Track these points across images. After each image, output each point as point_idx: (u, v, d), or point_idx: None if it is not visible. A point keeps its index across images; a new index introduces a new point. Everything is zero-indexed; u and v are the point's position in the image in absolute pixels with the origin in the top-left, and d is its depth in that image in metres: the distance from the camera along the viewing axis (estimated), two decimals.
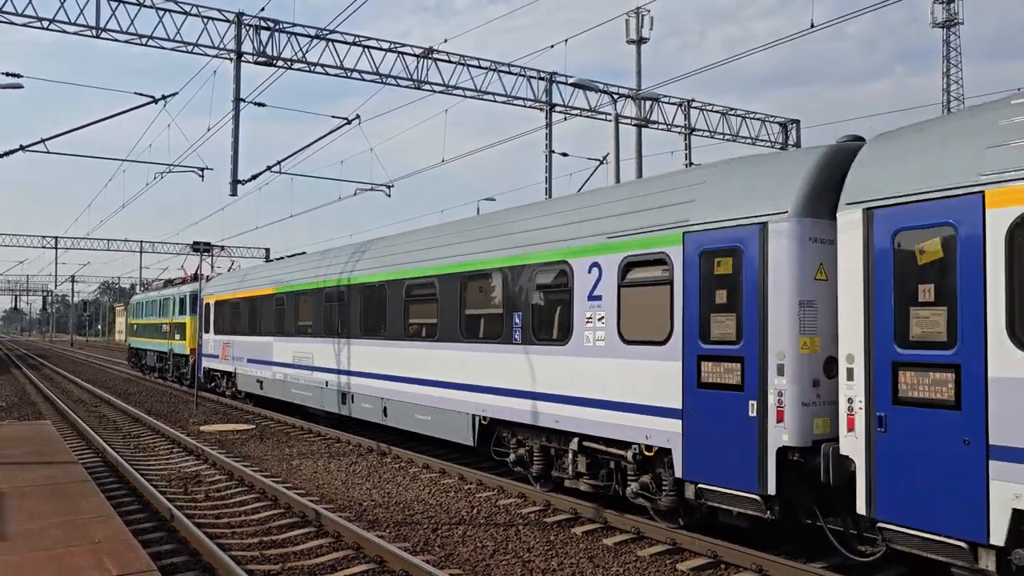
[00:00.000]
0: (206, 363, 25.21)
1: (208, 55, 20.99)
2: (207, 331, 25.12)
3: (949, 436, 6.15)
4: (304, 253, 21.75)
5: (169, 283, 35.93)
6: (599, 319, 9.60)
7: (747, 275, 7.83)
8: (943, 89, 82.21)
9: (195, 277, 32.03)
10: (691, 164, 28.30)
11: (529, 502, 10.70)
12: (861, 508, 6.70)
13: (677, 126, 29.13)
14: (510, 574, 7.77)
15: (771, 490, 7.47)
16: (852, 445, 6.80)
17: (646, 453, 8.96)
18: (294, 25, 21.70)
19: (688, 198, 8.69)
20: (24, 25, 18.82)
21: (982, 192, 6.04)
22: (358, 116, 20.74)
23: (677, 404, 8.49)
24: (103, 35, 19.59)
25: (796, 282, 7.48)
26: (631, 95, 28.09)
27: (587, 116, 27.21)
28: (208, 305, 24.97)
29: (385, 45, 23.10)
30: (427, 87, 23.80)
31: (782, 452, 7.45)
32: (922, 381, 6.34)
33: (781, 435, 7.44)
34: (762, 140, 30.45)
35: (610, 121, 22.91)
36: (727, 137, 29.96)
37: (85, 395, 27.08)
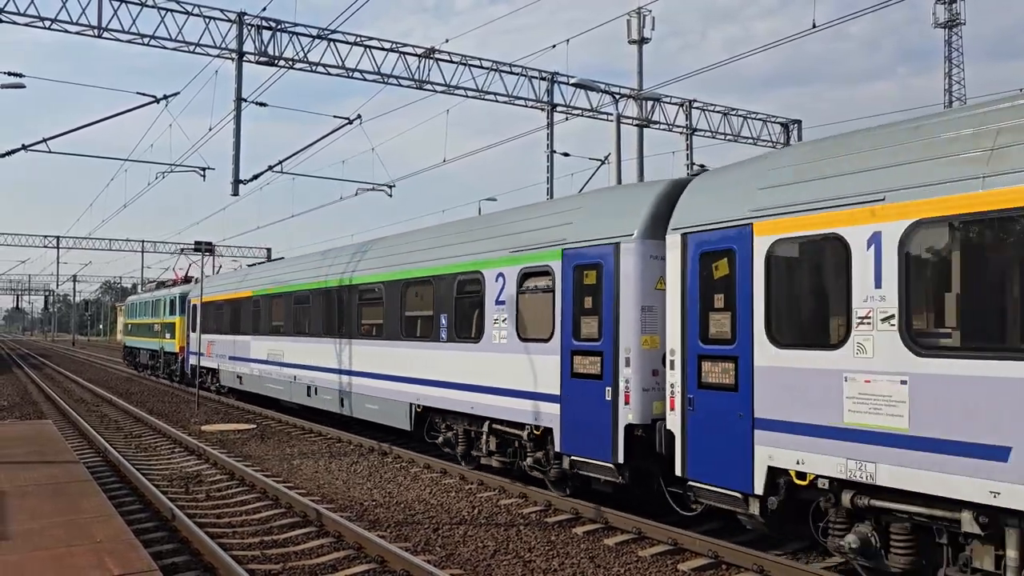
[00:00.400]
0: (193, 360, 26.59)
1: (210, 55, 21.01)
2: (194, 331, 26.68)
3: (730, 411, 7.86)
4: (282, 259, 23.34)
5: (162, 285, 37.60)
6: (503, 320, 11.40)
7: (606, 285, 9.59)
8: (945, 89, 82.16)
9: (185, 279, 34.81)
10: (692, 164, 28.29)
11: (530, 502, 10.70)
12: (678, 471, 8.46)
13: (678, 126, 29.12)
14: (511, 574, 7.77)
15: (620, 459, 9.27)
16: (673, 421, 8.54)
17: (536, 432, 10.73)
18: (296, 25, 21.71)
19: (567, 221, 10.41)
20: (26, 25, 18.84)
21: (751, 223, 7.75)
22: (359, 116, 20.75)
23: (557, 391, 10.27)
24: (105, 35, 19.60)
25: (640, 291, 9.28)
26: (632, 95, 28.08)
27: (588, 116, 27.21)
28: (195, 306, 26.40)
29: (387, 45, 23.11)
30: (428, 87, 23.81)
31: (629, 428, 9.22)
32: (715, 369, 8.06)
33: (628, 415, 9.22)
34: (763, 140, 30.44)
35: (611, 121, 22.90)
36: (728, 137, 29.96)
37: (86, 395, 27.10)
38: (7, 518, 7.81)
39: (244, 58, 21.01)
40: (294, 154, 22.02)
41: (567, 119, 27.01)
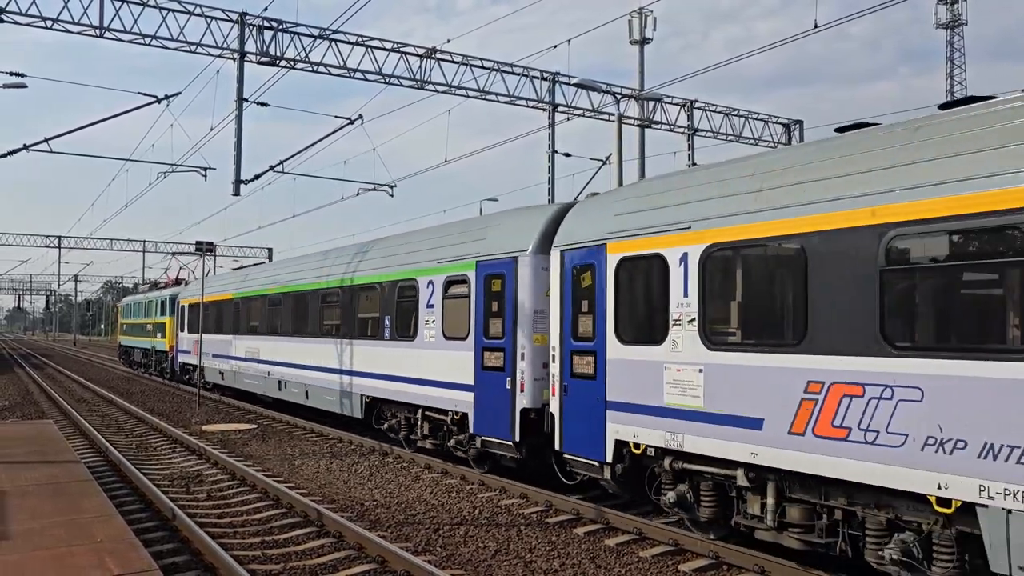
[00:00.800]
0: (181, 358, 29.15)
1: (211, 55, 21.02)
2: (182, 330, 28.91)
3: (591, 396, 9.65)
4: (263, 263, 25.91)
5: (155, 286, 39.64)
6: (432, 321, 13.18)
7: (508, 292, 11.38)
8: (947, 90, 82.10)
9: (176, 281, 36.43)
10: (694, 164, 28.26)
11: (531, 503, 10.70)
12: (557, 446, 10.22)
13: (680, 127, 29.11)
14: (512, 575, 7.77)
15: (517, 438, 11.09)
16: (554, 405, 10.30)
17: (456, 417, 12.51)
18: (297, 25, 21.72)
19: (481, 237, 12.21)
20: (28, 25, 18.86)
21: (605, 243, 9.56)
22: (361, 116, 20.73)
23: (471, 382, 12.07)
24: (106, 35, 19.62)
25: (532, 297, 11.10)
26: (634, 95, 28.08)
27: (590, 116, 27.20)
28: (183, 307, 28.73)
29: (388, 45, 23.11)
30: (430, 87, 23.81)
31: (524, 412, 11.04)
32: (581, 362, 9.85)
33: (523, 400, 11.03)
34: (765, 141, 30.42)
35: (613, 121, 22.89)
36: (730, 138, 29.94)
37: (88, 394, 27.11)
38: (8, 518, 7.81)
39: (246, 58, 21.02)
40: (295, 154, 22.02)
41: (568, 119, 27.01)
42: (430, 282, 13.25)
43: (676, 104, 28.89)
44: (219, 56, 21.02)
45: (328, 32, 21.88)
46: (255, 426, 18.48)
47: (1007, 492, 5.85)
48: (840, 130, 7.90)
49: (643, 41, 31.52)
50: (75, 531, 7.34)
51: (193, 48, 20.63)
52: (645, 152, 28.74)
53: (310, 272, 18.27)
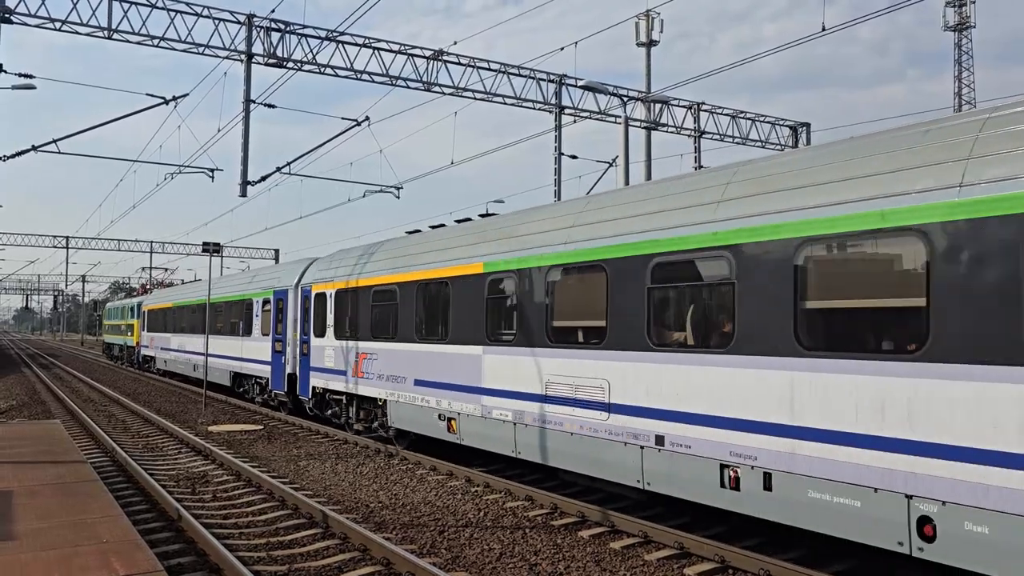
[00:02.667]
0: (142, 351, 38.93)
1: (219, 56, 21.08)
2: (143, 330, 38.60)
3: (307, 365, 18.37)
4: (197, 280, 40.45)
5: (129, 294, 54.67)
6: (259, 325, 22.38)
7: (285, 308, 20.04)
8: (955, 93, 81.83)
9: (144, 290, 49.19)
10: (700, 167, 28.21)
11: (536, 505, 10.69)
12: (299, 393, 18.81)
13: (687, 129, 29.07)
14: None
15: (286, 389, 19.80)
16: (297, 371, 18.89)
17: (261, 381, 22.17)
18: (304, 27, 21.77)
19: (278, 276, 21.39)
20: (37, 27, 18.94)
21: (312, 284, 18.10)
22: (368, 118, 20.78)
23: (269, 359, 21.08)
24: (115, 36, 19.69)
25: (295, 311, 19.53)
26: (641, 98, 28.05)
27: (597, 119, 27.19)
28: (145, 312, 38.31)
29: (395, 47, 23.14)
30: (437, 89, 23.83)
31: (290, 376, 19.71)
32: (304, 347, 18.35)
33: (289, 369, 19.69)
34: (772, 143, 30.35)
35: (620, 124, 22.87)
36: (737, 140, 29.88)
37: (94, 394, 27.20)
38: (15, 517, 7.84)
39: (253, 60, 21.07)
40: (302, 155, 22.07)
41: (575, 121, 26.99)
42: (257, 301, 22.13)
43: (683, 106, 28.85)
44: (227, 58, 21.08)
45: (335, 34, 21.92)
46: (261, 427, 18.52)
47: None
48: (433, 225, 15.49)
49: (650, 43, 31.50)
50: (81, 531, 7.36)
51: (201, 50, 20.69)
52: (651, 154, 28.72)
53: (216, 290, 26.79)
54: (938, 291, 6.18)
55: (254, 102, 20.96)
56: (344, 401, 16.71)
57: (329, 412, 17.39)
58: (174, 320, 32.05)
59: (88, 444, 15.72)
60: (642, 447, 8.76)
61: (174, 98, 19.95)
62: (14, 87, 19.16)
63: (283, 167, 22.05)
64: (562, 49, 23.54)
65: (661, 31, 32.07)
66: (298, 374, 18.62)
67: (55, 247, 61.68)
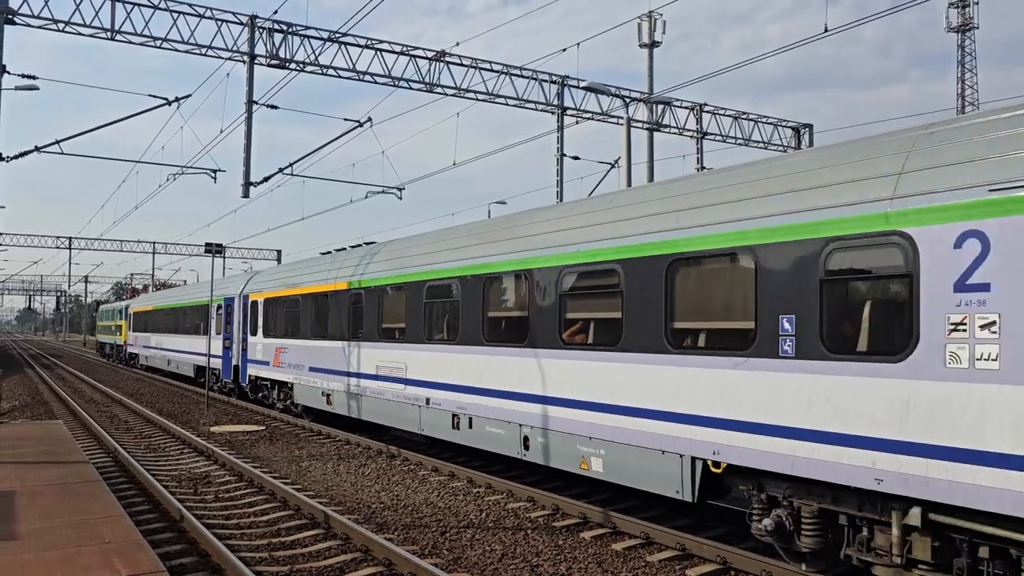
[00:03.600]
0: (128, 349, 44.56)
1: (221, 57, 21.10)
2: (130, 329, 43.98)
3: (246, 358, 22.66)
4: (175, 286, 51.78)
5: (119, 297, 60.57)
6: (215, 324, 25.27)
7: (234, 313, 23.59)
8: (958, 94, 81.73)
9: (133, 294, 57.27)
10: (702, 168, 28.19)
11: (538, 506, 10.68)
12: (241, 380, 23.44)
13: (689, 130, 29.06)
14: None
15: (231, 378, 24.11)
16: (241, 362, 23.37)
17: (216, 371, 25.67)
18: (307, 28, 21.79)
19: (227, 286, 25.35)
20: (40, 28, 18.97)
21: (249, 294, 22.63)
22: (370, 119, 20.78)
23: (219, 353, 24.82)
24: (118, 37, 19.72)
25: (239, 314, 23.16)
26: (643, 99, 28.04)
27: (599, 119, 27.18)
28: (131, 314, 43.66)
29: (397, 48, 23.16)
30: (439, 90, 23.84)
31: (235, 368, 23.69)
32: (247, 344, 22.49)
33: (234, 361, 23.70)
34: (775, 144, 30.33)
35: (622, 125, 22.87)
36: (739, 141, 29.86)
37: (97, 395, 27.23)
38: (18, 517, 7.85)
39: (255, 61, 21.09)
40: (305, 156, 22.09)
41: (577, 123, 26.98)
42: (218, 306, 24.87)
43: (685, 108, 28.84)
44: (229, 59, 21.10)
45: (338, 35, 21.94)
46: (263, 428, 18.53)
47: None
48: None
49: (652, 44, 31.51)
50: (84, 531, 7.37)
51: (203, 51, 20.72)
52: (654, 155, 28.72)
53: (170, 299, 34.33)
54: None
55: (256, 103, 20.98)
56: (268, 385, 21.61)
57: (260, 395, 22.42)
58: (154, 322, 37.38)
59: (90, 444, 15.74)
60: (419, 406, 13.49)
61: (177, 99, 19.98)
62: (17, 88, 19.20)
63: (285, 168, 22.07)
64: (564, 50, 23.54)
65: (663, 32, 32.10)
66: (241, 365, 23.50)
67: (58, 248, 61.74)
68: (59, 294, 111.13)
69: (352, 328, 15.98)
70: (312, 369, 17.92)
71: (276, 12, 20.60)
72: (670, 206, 8.86)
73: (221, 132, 22.16)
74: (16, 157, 19.18)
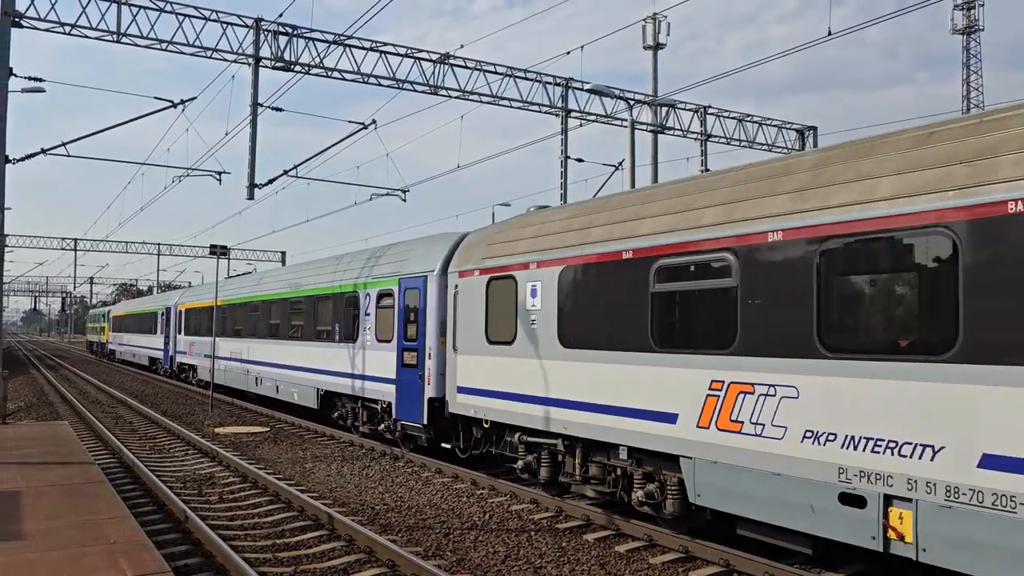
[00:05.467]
0: (109, 346, 53.31)
1: (227, 60, 21.16)
2: (111, 330, 52.78)
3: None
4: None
5: (104, 304, 69.15)
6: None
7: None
8: (963, 96, 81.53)
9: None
10: (707, 170, 28.18)
11: (541, 508, 10.70)
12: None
13: (693, 132, 29.05)
14: None
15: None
16: (173, 351, 28.49)
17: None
18: (312, 30, 21.84)
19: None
20: (47, 30, 19.06)
21: (173, 305, 33.07)
22: (374, 121, 20.83)
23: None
24: (123, 40, 19.79)
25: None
26: (647, 101, 28.05)
27: (603, 122, 27.19)
28: (112, 318, 52.65)
29: (402, 50, 23.20)
30: (443, 92, 23.87)
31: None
32: (177, 343, 32.46)
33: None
34: (779, 147, 30.31)
35: (626, 127, 22.88)
36: (743, 144, 29.85)
37: (102, 396, 27.31)
38: (23, 518, 7.89)
39: (260, 63, 21.15)
40: (309, 158, 22.14)
41: (581, 125, 27.00)
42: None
43: (689, 110, 28.84)
44: (234, 61, 21.17)
45: (342, 38, 21.99)
46: (267, 429, 18.57)
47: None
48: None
49: (656, 46, 31.50)
50: (89, 532, 7.41)
51: (209, 53, 20.78)
52: (658, 157, 28.71)
53: (137, 306, 41.86)
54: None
55: (261, 105, 21.04)
56: (187, 367, 30.28)
57: (183, 376, 30.30)
58: (126, 324, 46.63)
59: (95, 445, 15.79)
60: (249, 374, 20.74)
61: (182, 101, 20.04)
62: (24, 90, 19.28)
63: (290, 170, 22.12)
64: (568, 53, 23.57)
65: (668, 34, 32.06)
66: (172, 355, 32.41)
67: (63, 249, 61.96)
68: (64, 295, 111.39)
69: (223, 329, 25.29)
70: (196, 354, 28.83)
71: (281, 15, 20.66)
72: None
73: (226, 134, 22.24)
74: (22, 159, 19.26)
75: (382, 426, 15.42)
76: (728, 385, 7.85)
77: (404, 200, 25.05)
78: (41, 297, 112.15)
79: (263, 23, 21.24)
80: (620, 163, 24.38)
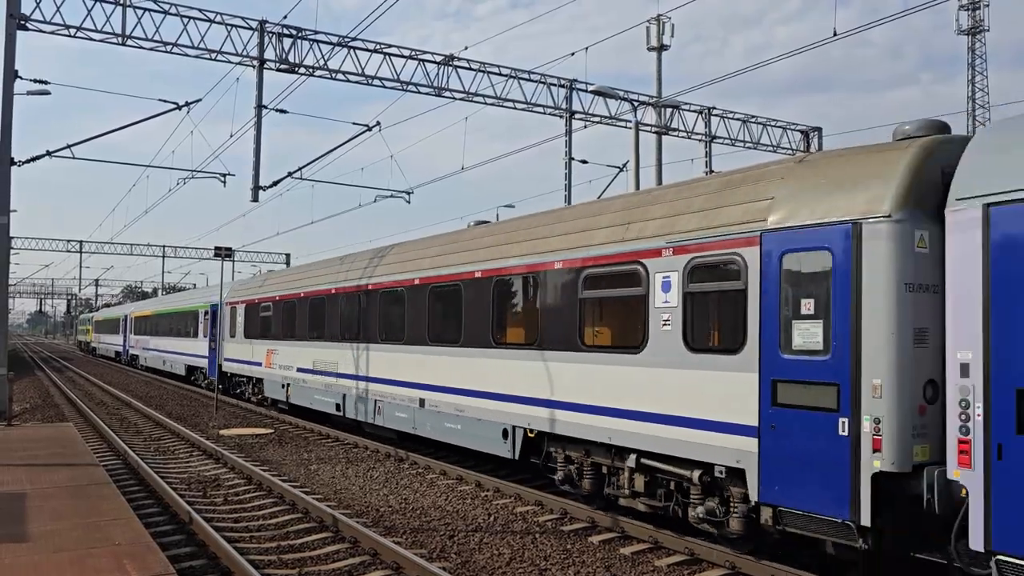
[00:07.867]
0: (92, 344, 65.79)
1: (231, 62, 21.19)
2: (94, 332, 65.32)
3: None
4: (124, 303, 72.03)
5: (90, 309, 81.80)
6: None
7: (127, 323, 47.67)
8: (968, 97, 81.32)
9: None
10: (711, 172, 28.14)
11: (546, 510, 10.68)
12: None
13: (697, 134, 29.02)
14: None
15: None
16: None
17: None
18: (316, 32, 21.87)
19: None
20: (52, 33, 19.11)
21: (128, 314, 51.05)
22: (379, 123, 20.84)
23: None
24: (129, 43, 19.83)
25: (129, 325, 48.79)
26: (651, 102, 28.04)
27: (607, 123, 27.17)
28: (95, 322, 63.86)
29: (406, 52, 23.21)
30: (447, 94, 23.87)
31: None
32: (132, 341, 50.06)
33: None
34: (783, 148, 30.26)
35: (630, 128, 22.87)
36: (748, 145, 29.80)
37: (107, 398, 27.36)
38: (28, 519, 7.90)
39: (265, 65, 21.18)
40: (314, 160, 22.16)
41: (586, 126, 26.99)
42: (121, 317, 23.58)
43: (694, 111, 28.81)
44: (239, 63, 21.20)
45: (347, 40, 22.02)
46: (272, 431, 18.58)
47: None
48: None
49: (660, 48, 31.47)
50: (94, 533, 7.41)
51: (213, 56, 20.81)
52: (662, 159, 28.67)
53: (110, 313, 58.47)
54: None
55: (266, 107, 21.07)
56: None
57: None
58: (103, 327, 56.92)
59: (100, 447, 15.81)
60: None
61: (187, 103, 20.08)
62: (29, 93, 19.33)
63: (295, 172, 22.13)
64: (573, 54, 23.56)
65: (672, 35, 32.03)
66: (124, 348, 44.37)
67: (69, 251, 62.02)
68: (70, 297, 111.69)
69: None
70: (148, 349, 39.70)
71: (286, 17, 20.68)
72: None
73: (231, 136, 22.29)
74: (28, 161, 19.31)
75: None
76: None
77: (408, 202, 25.06)
78: (47, 299, 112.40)
79: (268, 25, 21.27)
80: (624, 164, 24.36)
